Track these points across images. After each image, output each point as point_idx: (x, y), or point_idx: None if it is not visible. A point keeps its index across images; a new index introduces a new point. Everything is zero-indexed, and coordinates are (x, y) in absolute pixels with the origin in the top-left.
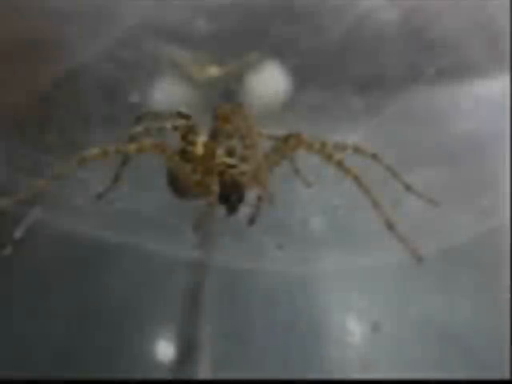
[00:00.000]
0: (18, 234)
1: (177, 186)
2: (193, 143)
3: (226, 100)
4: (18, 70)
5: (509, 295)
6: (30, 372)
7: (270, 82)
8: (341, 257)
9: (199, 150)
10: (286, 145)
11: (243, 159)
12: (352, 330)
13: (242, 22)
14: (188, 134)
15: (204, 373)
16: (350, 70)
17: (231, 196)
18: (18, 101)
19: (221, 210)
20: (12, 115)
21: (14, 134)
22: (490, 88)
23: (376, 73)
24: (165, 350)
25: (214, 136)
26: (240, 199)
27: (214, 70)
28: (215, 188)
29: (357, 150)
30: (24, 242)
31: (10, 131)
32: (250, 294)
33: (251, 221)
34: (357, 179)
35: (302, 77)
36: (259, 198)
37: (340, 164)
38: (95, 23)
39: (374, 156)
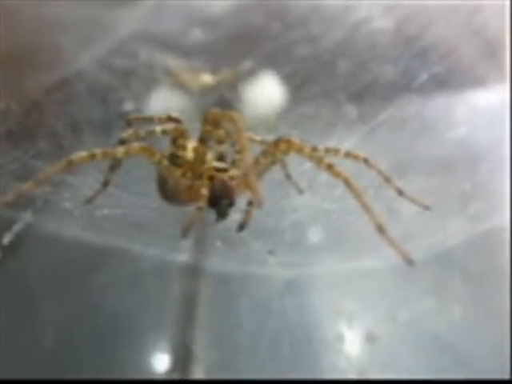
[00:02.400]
0: (6, 239)
1: (166, 191)
2: (183, 147)
3: (219, 108)
4: (11, 77)
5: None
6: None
7: (263, 90)
8: (332, 262)
9: (189, 154)
10: (277, 149)
11: (233, 164)
12: (344, 336)
13: (236, 30)
14: (178, 138)
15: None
16: (343, 78)
17: (221, 201)
18: (9, 107)
19: (211, 216)
20: (3, 121)
21: (6, 139)
22: (484, 95)
23: (369, 81)
24: (157, 358)
25: (203, 140)
26: (230, 204)
27: (207, 78)
28: (205, 192)
29: (348, 154)
30: (13, 245)
31: (0, 137)
32: (241, 298)
33: (241, 226)
34: (347, 182)
35: (295, 85)
36: (250, 203)
37: (330, 168)
38: (89, 31)
39: (366, 161)
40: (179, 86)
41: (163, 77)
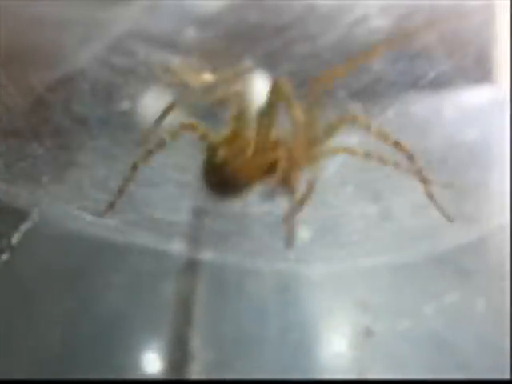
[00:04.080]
0: (15, 239)
1: (218, 174)
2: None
3: (219, 107)
4: (14, 75)
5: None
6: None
7: (264, 88)
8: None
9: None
10: (341, 123)
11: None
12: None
13: (234, 29)
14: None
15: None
16: (344, 77)
17: (291, 175)
18: (13, 104)
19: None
20: (8, 118)
21: (11, 136)
22: (480, 96)
23: (368, 80)
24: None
25: (270, 110)
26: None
27: (208, 77)
28: (278, 167)
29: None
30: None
31: (6, 133)
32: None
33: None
34: (411, 159)
35: (296, 83)
36: (309, 183)
37: (397, 144)
38: (85, 30)
39: (396, 144)
40: (178, 84)
41: (162, 75)
